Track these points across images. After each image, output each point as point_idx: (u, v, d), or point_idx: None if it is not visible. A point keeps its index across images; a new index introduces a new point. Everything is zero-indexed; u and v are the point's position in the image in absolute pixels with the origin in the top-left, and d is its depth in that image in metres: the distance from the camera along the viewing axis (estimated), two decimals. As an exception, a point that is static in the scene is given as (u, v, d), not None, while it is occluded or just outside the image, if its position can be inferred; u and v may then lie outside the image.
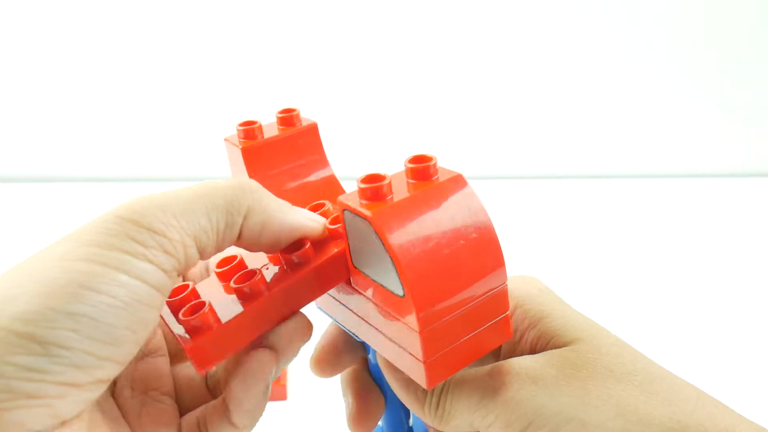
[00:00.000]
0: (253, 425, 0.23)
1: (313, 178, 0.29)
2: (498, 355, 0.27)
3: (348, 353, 0.29)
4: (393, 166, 0.23)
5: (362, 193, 0.21)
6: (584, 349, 0.23)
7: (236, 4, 0.81)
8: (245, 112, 0.87)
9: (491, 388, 0.23)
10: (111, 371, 0.19)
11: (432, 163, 0.21)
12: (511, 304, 0.26)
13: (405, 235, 0.20)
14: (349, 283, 0.24)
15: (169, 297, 0.23)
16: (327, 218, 0.24)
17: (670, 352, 0.57)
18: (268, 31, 0.83)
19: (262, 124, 0.28)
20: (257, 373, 0.22)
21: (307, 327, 0.24)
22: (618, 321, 0.60)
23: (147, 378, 0.24)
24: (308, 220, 0.23)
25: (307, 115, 0.30)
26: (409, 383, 0.25)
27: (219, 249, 0.21)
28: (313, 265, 0.23)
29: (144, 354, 0.25)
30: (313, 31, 0.83)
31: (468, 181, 0.22)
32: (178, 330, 0.22)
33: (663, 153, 0.90)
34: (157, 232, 0.19)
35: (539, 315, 0.25)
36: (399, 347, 0.22)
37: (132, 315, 0.18)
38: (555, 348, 0.24)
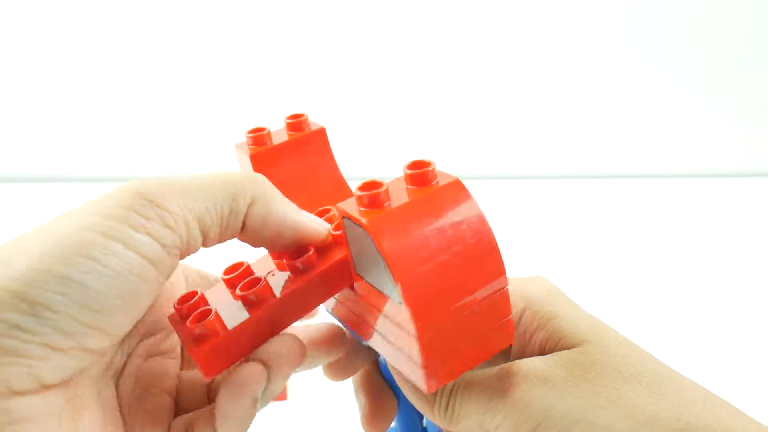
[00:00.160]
0: None
1: (322, 182, 0.29)
2: (508, 356, 0.27)
3: (359, 356, 0.29)
4: (402, 166, 0.23)
5: (359, 200, 0.21)
6: (592, 350, 0.23)
7: (242, 12, 0.81)
8: (249, 115, 0.87)
9: (500, 389, 0.23)
10: (98, 341, 0.19)
11: (430, 168, 0.21)
12: (521, 305, 0.26)
13: (400, 241, 0.20)
14: (353, 288, 0.24)
15: (178, 304, 0.23)
16: (332, 224, 0.24)
17: (670, 351, 0.57)
18: (275, 37, 0.83)
19: (271, 130, 0.29)
20: (244, 384, 0.22)
21: (300, 350, 0.23)
22: (618, 321, 0.60)
23: (152, 375, 0.24)
24: (312, 222, 0.24)
25: (314, 117, 0.30)
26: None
27: (222, 236, 0.22)
28: (317, 270, 0.23)
29: (155, 353, 0.25)
30: (319, 35, 0.83)
31: (472, 181, 0.22)
32: (186, 337, 0.22)
33: (663, 153, 0.90)
34: (159, 206, 0.19)
35: (548, 316, 0.25)
36: (400, 352, 0.22)
37: (122, 285, 0.19)
38: (564, 349, 0.24)
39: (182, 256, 0.21)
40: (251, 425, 0.23)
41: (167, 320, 0.25)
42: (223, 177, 0.22)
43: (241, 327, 0.22)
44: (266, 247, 0.24)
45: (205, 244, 0.21)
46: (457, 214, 0.21)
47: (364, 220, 0.20)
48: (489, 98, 0.87)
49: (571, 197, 0.86)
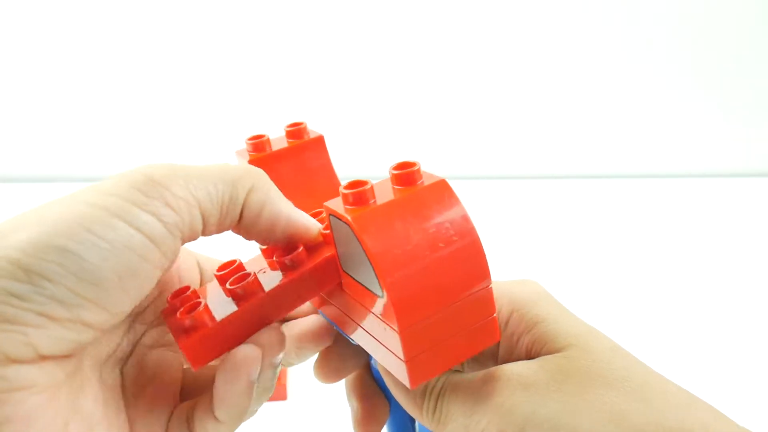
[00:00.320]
0: (235, 423, 0.23)
1: (319, 188, 0.30)
2: (497, 359, 0.27)
3: (351, 358, 0.30)
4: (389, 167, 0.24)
5: (345, 198, 0.21)
6: (576, 355, 0.23)
7: (241, 19, 0.82)
8: (247, 120, 0.87)
9: (484, 393, 0.23)
10: (96, 316, 0.19)
11: (415, 168, 0.22)
12: (509, 308, 0.26)
13: (384, 238, 0.21)
14: (341, 286, 0.25)
15: (171, 298, 0.24)
16: (323, 224, 0.25)
17: (670, 352, 0.57)
18: (270, 44, 0.83)
19: (271, 137, 0.29)
20: (239, 366, 0.22)
21: (279, 338, 0.24)
22: (618, 321, 0.60)
23: (158, 365, 0.25)
24: (305, 219, 0.24)
25: (308, 120, 0.30)
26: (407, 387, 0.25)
27: (221, 225, 0.22)
28: (306, 267, 0.24)
29: (162, 344, 0.25)
30: (316, 39, 0.83)
31: (470, 182, 0.22)
32: (176, 328, 0.23)
33: (663, 153, 0.90)
34: (163, 185, 0.20)
35: (535, 320, 0.25)
36: (385, 348, 0.23)
37: (119, 260, 0.19)
38: (549, 353, 0.24)
39: (184, 240, 0.21)
40: (252, 424, 0.23)
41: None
42: (224, 167, 0.22)
43: (229, 319, 0.23)
44: (258, 241, 0.24)
45: (204, 232, 0.22)
46: (441, 213, 0.21)
47: (348, 217, 0.21)
48: (489, 98, 0.87)
49: (571, 197, 0.86)
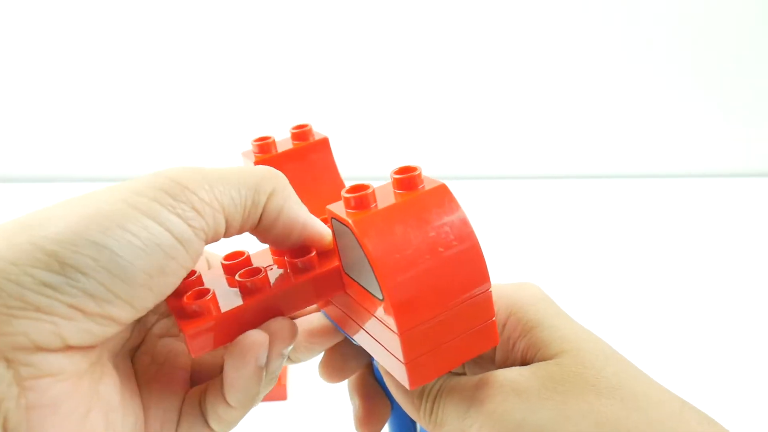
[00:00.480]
0: (245, 408, 0.24)
1: (324, 190, 0.30)
2: (494, 362, 0.27)
3: (354, 358, 0.30)
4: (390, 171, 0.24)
5: (347, 202, 0.22)
6: (568, 362, 0.23)
7: (247, 22, 0.82)
8: (251, 121, 0.88)
9: (477, 398, 0.23)
10: (123, 312, 0.19)
11: (416, 173, 0.22)
12: (506, 311, 0.26)
13: (384, 240, 0.21)
14: (345, 290, 0.25)
15: None
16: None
17: (670, 352, 0.57)
18: (272, 47, 0.83)
19: (277, 139, 0.30)
20: (247, 351, 0.23)
21: (291, 328, 0.24)
22: (618, 322, 0.60)
23: (168, 352, 0.25)
24: (320, 226, 0.25)
25: (312, 121, 0.31)
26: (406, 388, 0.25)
27: (242, 228, 0.23)
28: (316, 272, 0.24)
29: (170, 334, 0.26)
30: (321, 42, 0.83)
31: (469, 182, 0.22)
32: (179, 311, 0.23)
33: (663, 153, 0.90)
34: (190, 189, 0.21)
35: (530, 324, 0.25)
36: (385, 350, 0.23)
37: (150, 258, 0.19)
38: (542, 359, 0.24)
39: (207, 242, 0.22)
40: (252, 424, 0.23)
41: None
42: (247, 170, 0.23)
43: (234, 312, 0.23)
44: (273, 245, 0.24)
45: (225, 234, 0.22)
46: (441, 217, 0.22)
47: (350, 221, 0.21)
48: (490, 98, 0.87)
49: (570, 198, 0.86)
